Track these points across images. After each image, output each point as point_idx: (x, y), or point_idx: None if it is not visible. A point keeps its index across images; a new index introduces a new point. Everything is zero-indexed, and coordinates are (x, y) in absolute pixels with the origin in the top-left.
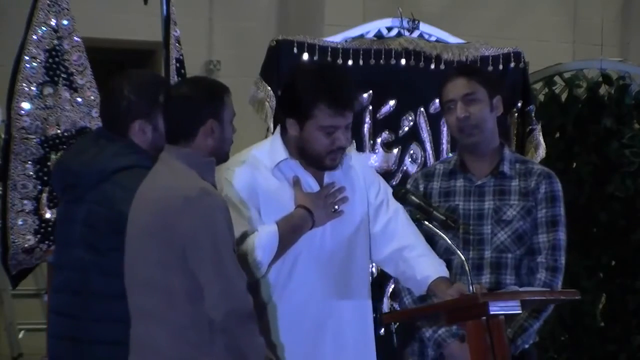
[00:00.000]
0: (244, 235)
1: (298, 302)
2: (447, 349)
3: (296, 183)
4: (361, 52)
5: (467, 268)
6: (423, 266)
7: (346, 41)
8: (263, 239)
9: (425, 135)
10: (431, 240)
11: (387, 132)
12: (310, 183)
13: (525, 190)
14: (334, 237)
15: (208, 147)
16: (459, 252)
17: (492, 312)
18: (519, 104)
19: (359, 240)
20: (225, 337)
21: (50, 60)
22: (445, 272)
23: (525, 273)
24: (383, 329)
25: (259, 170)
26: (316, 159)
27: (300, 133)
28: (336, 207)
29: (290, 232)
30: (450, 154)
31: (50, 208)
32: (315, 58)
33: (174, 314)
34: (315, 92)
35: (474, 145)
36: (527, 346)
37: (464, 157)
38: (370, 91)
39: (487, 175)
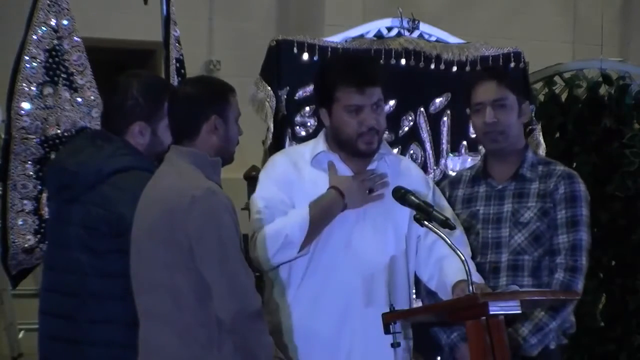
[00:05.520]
0: (270, 216)
1: (322, 287)
2: (459, 352)
3: (331, 167)
4: (361, 52)
5: (466, 268)
6: (452, 272)
7: (346, 41)
8: (293, 218)
9: (425, 135)
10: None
11: (387, 132)
12: (346, 173)
13: (544, 192)
14: (367, 231)
15: (213, 145)
16: (458, 252)
17: (492, 312)
18: None
19: (396, 242)
20: (234, 337)
21: (50, 60)
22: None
23: (545, 275)
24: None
25: (298, 162)
26: (349, 145)
27: (331, 121)
28: (374, 190)
29: (321, 212)
30: (451, 154)
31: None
32: (315, 58)
33: (182, 314)
34: (334, 74)
35: (497, 151)
36: (551, 347)
37: (488, 161)
38: None
39: (508, 179)
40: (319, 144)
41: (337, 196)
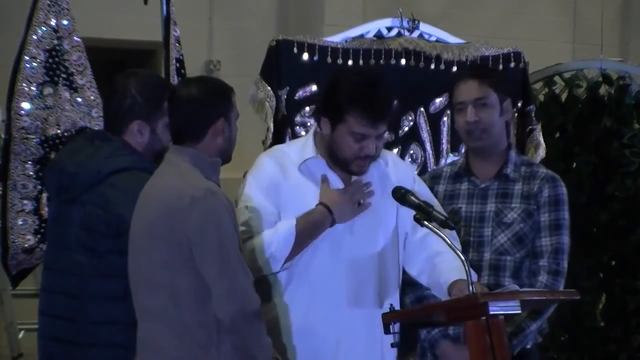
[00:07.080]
0: (256, 228)
1: (311, 291)
2: (439, 349)
3: (324, 180)
4: (361, 52)
5: (466, 269)
6: (447, 270)
7: (346, 41)
8: (280, 233)
9: (425, 135)
10: None
11: (387, 132)
12: (335, 182)
13: (528, 194)
14: (357, 236)
15: (217, 146)
16: (458, 252)
17: (491, 312)
18: (519, 104)
19: (385, 243)
20: (233, 338)
21: (50, 60)
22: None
23: (526, 275)
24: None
25: (286, 165)
26: (343, 162)
27: (331, 134)
28: (361, 201)
29: (308, 228)
30: (451, 154)
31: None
32: (315, 58)
33: (180, 314)
34: (351, 98)
35: (480, 149)
36: (528, 346)
37: (470, 159)
38: None
39: (491, 178)
40: (307, 147)
41: (326, 213)
